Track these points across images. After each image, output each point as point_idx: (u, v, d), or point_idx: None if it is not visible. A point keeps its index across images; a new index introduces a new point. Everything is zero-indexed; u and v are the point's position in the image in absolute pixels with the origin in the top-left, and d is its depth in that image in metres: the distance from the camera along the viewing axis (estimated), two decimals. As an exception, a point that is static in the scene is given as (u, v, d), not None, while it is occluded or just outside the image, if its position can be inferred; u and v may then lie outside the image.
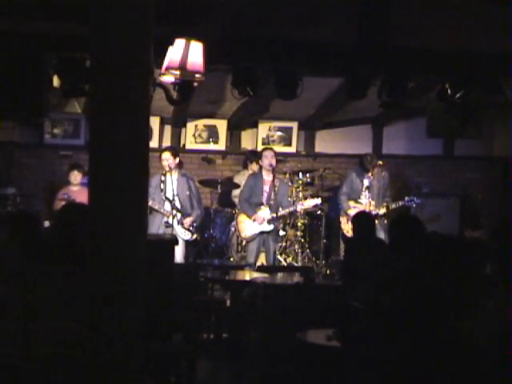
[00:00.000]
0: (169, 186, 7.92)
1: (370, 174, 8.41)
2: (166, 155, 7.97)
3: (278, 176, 8.48)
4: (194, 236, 8.13)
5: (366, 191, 8.43)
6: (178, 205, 7.94)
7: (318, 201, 8.42)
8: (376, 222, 7.65)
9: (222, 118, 9.89)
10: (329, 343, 4.10)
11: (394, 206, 8.34)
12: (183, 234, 7.95)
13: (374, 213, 8.19)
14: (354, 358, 3.80)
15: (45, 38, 6.28)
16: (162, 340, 4.94)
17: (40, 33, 6.25)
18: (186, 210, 8.02)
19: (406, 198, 8.42)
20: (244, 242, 8.49)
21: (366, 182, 8.46)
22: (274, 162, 8.16)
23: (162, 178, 7.94)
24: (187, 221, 7.99)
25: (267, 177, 8.24)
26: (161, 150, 8.40)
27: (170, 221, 7.84)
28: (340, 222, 8.65)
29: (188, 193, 8.05)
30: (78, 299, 3.33)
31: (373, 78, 6.92)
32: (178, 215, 7.90)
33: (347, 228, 8.37)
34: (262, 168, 8.31)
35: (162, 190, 7.89)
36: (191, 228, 8.03)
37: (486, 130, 9.93)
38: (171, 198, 7.84)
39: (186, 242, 8.12)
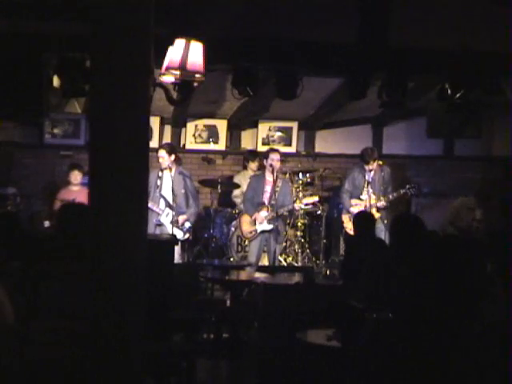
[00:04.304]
0: (165, 184, 7.92)
1: (370, 168, 8.41)
2: (161, 153, 7.99)
3: (280, 176, 8.49)
4: (187, 235, 8.09)
5: (368, 186, 8.43)
6: (173, 202, 7.91)
7: (316, 198, 8.46)
8: (377, 216, 7.68)
9: (222, 118, 9.89)
10: (329, 343, 4.09)
11: (395, 194, 8.36)
12: (176, 233, 7.93)
13: (374, 206, 8.21)
14: (353, 358, 3.80)
15: (45, 38, 6.28)
16: (162, 340, 4.94)
17: (40, 33, 6.25)
18: (181, 208, 7.99)
19: (407, 186, 8.43)
20: (246, 242, 8.51)
21: (367, 178, 8.47)
22: (278, 165, 8.22)
23: (160, 174, 7.94)
24: (180, 219, 7.97)
25: (269, 177, 8.27)
26: (158, 147, 8.40)
27: (162, 219, 7.82)
28: (342, 221, 8.65)
29: (183, 190, 8.03)
30: (77, 299, 3.33)
31: (373, 77, 6.92)
32: (172, 213, 7.88)
33: (350, 226, 8.36)
34: (266, 168, 8.33)
35: (158, 187, 7.89)
36: (183, 227, 7.99)
37: (486, 130, 9.96)
38: (167, 196, 7.84)
39: (182, 242, 8.09)
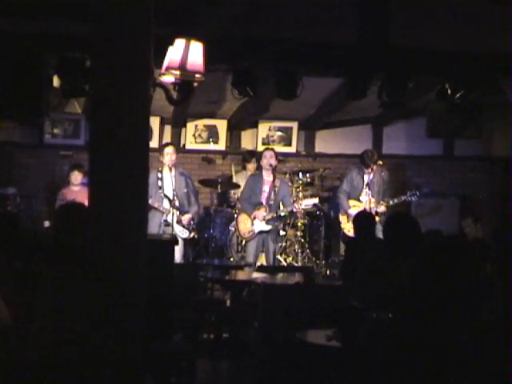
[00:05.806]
0: (166, 184, 7.92)
1: (370, 170, 8.40)
2: (170, 149, 7.99)
3: (279, 176, 8.46)
4: (192, 234, 8.12)
5: (367, 188, 8.41)
6: (175, 201, 7.92)
7: (316, 200, 8.44)
8: (376, 219, 7.67)
9: (222, 118, 9.89)
10: (329, 343, 4.09)
11: (395, 200, 8.35)
12: (181, 232, 7.94)
13: (374, 210, 8.19)
14: (354, 358, 3.80)
15: (45, 37, 6.28)
16: (162, 340, 4.94)
17: (40, 33, 6.25)
18: (183, 208, 8.01)
19: (408, 193, 8.43)
20: (244, 242, 8.50)
21: (366, 179, 8.46)
22: (272, 161, 8.14)
23: (159, 175, 7.95)
24: (185, 218, 7.98)
25: (267, 177, 8.24)
26: (163, 145, 8.41)
27: (169, 219, 7.83)
28: (340, 222, 8.64)
29: (185, 190, 8.05)
30: (77, 299, 3.33)
31: (373, 77, 6.92)
32: (176, 213, 7.89)
33: (348, 227, 8.35)
34: (263, 168, 8.31)
35: (159, 188, 7.90)
36: (189, 225, 8.02)
37: (486, 130, 9.95)
38: (169, 196, 7.84)
39: (185, 241, 8.12)
